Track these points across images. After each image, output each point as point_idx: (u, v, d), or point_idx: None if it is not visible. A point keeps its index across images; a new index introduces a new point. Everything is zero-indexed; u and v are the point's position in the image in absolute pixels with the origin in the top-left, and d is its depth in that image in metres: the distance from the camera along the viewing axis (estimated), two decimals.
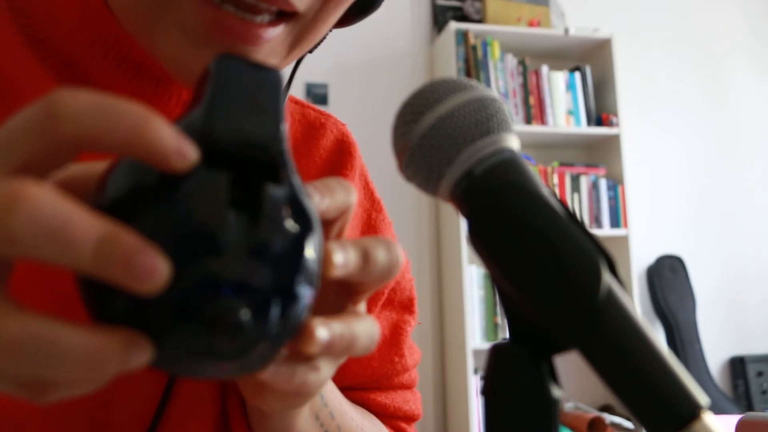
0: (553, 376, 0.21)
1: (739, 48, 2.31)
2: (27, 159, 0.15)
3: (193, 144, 0.16)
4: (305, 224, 0.18)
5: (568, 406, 1.85)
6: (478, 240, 0.22)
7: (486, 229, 0.21)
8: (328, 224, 0.21)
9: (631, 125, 2.06)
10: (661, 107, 2.18)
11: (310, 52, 0.33)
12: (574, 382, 1.87)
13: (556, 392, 0.21)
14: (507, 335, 0.22)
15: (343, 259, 0.19)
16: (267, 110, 0.18)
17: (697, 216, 2.16)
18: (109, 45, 0.28)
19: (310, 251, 0.18)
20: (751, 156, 2.25)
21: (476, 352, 1.74)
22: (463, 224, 1.69)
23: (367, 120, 1.87)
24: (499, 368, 0.21)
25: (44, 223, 0.14)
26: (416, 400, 0.42)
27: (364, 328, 0.20)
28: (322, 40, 0.33)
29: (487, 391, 0.21)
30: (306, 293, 0.18)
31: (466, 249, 1.75)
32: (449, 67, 1.86)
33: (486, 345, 1.71)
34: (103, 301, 0.16)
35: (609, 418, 1.76)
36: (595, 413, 1.74)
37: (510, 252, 0.21)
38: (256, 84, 0.19)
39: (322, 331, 0.18)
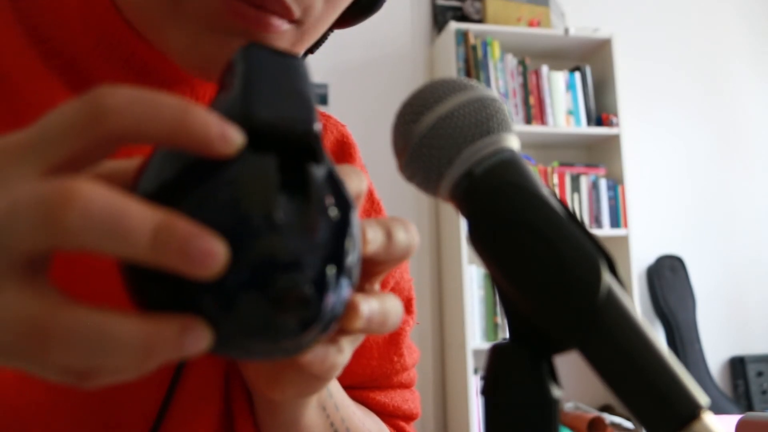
0: (553, 376, 0.21)
1: (739, 48, 2.31)
2: (70, 156, 0.15)
3: (237, 128, 0.16)
4: (347, 202, 0.19)
5: (568, 406, 1.85)
6: (478, 240, 0.22)
7: (486, 229, 0.21)
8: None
9: (631, 125, 2.06)
10: (661, 107, 2.18)
11: (311, 52, 0.33)
12: (574, 382, 1.87)
13: (556, 392, 0.21)
14: (507, 335, 0.22)
15: (373, 236, 0.19)
16: (299, 94, 0.19)
17: (697, 216, 2.16)
18: (113, 46, 0.28)
19: (355, 228, 0.18)
20: (751, 156, 2.25)
21: (476, 352, 1.74)
22: (463, 224, 1.69)
23: (367, 120, 1.87)
24: (499, 368, 0.21)
25: (99, 217, 0.14)
26: (415, 399, 0.42)
27: (392, 304, 0.21)
28: (323, 41, 0.33)
29: (487, 391, 0.21)
30: (355, 268, 0.18)
31: (466, 249, 1.75)
32: (449, 67, 1.86)
33: (486, 345, 1.71)
34: (156, 289, 0.16)
35: (609, 418, 1.76)
36: (595, 413, 1.74)
37: (510, 252, 0.21)
38: (285, 70, 0.19)
39: (366, 306, 0.19)
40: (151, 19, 0.26)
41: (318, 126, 0.19)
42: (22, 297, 0.15)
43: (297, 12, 0.25)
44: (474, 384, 1.69)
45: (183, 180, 0.16)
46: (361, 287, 0.22)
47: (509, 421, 0.21)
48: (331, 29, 0.32)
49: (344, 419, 0.32)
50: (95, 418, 0.28)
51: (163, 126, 0.16)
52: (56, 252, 0.15)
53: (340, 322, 0.19)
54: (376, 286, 0.23)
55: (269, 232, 0.16)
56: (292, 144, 0.18)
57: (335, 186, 0.18)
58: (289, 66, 0.19)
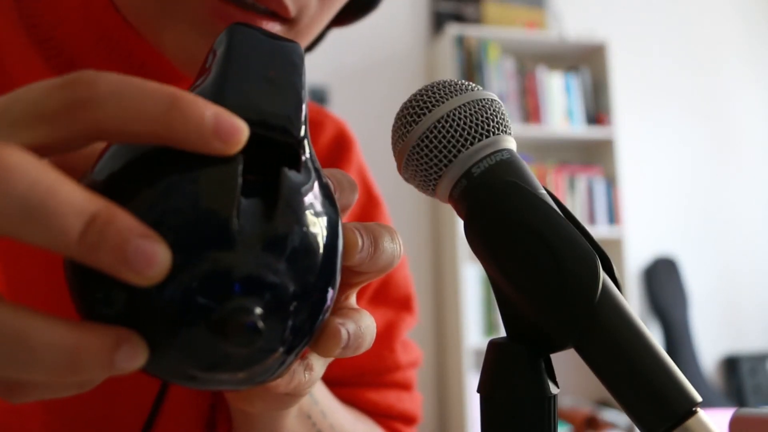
0: (550, 373, 0.21)
1: (735, 50, 2.32)
2: (35, 143, 0.13)
3: (243, 122, 0.13)
4: (327, 214, 0.15)
5: (565, 401, 1.86)
6: (475, 240, 0.22)
7: (484, 229, 0.22)
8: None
9: (627, 126, 2.07)
10: (656, 108, 2.19)
11: (308, 51, 0.33)
12: (571, 378, 1.87)
13: (552, 389, 0.21)
14: (504, 333, 0.22)
15: (359, 243, 0.16)
16: (286, 86, 0.16)
17: (692, 216, 2.17)
18: (112, 44, 0.28)
19: (332, 244, 0.15)
20: (745, 157, 2.26)
21: (474, 351, 1.75)
22: (461, 224, 1.69)
23: (366, 121, 1.87)
24: (496, 365, 0.21)
25: (21, 194, 0.12)
26: (413, 400, 0.40)
27: (367, 323, 0.19)
28: (320, 40, 0.33)
29: (483, 388, 0.21)
30: (327, 291, 0.15)
31: (464, 248, 1.75)
32: (448, 70, 1.87)
33: (484, 343, 1.71)
34: (92, 294, 0.13)
35: (605, 414, 1.76)
36: (591, 409, 1.74)
37: (508, 251, 0.21)
38: (273, 57, 0.16)
39: (344, 331, 0.17)
40: (146, 20, 0.26)
41: (302, 125, 0.15)
42: None
43: (293, 10, 0.25)
44: (472, 382, 1.69)
45: (133, 170, 0.14)
46: (336, 300, 0.19)
47: (506, 419, 0.21)
48: (328, 28, 0.32)
49: (333, 426, 0.30)
50: (89, 413, 0.28)
51: (147, 123, 0.13)
52: None
53: (316, 348, 0.16)
54: (352, 300, 0.20)
55: (219, 244, 0.13)
56: (269, 143, 0.15)
57: (316, 194, 0.15)
58: (280, 52, 0.16)
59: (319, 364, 0.20)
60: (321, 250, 0.15)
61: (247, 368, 0.14)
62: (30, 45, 0.28)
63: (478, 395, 0.22)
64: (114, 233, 0.12)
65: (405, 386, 0.40)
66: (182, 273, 0.13)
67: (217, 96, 0.15)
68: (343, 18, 0.33)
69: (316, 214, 0.15)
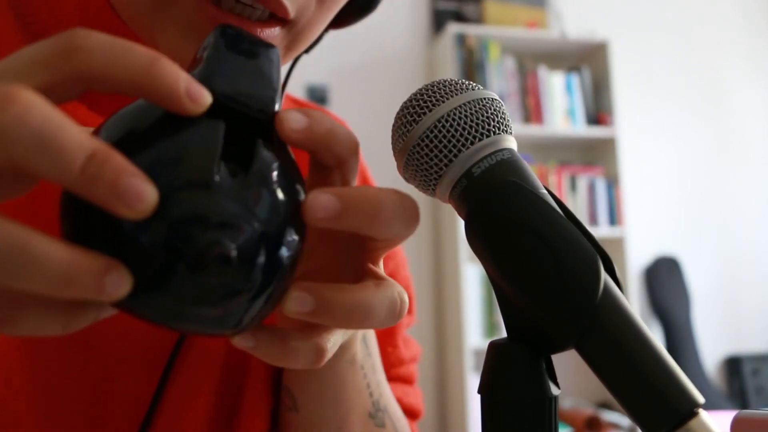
0: (551, 374, 0.21)
1: (736, 49, 2.32)
2: (34, 87, 0.15)
3: (207, 91, 0.16)
4: (291, 180, 0.18)
5: (565, 403, 1.86)
6: (476, 240, 0.22)
7: (484, 229, 0.22)
8: (325, 173, 0.20)
9: (628, 126, 2.07)
10: (658, 108, 2.19)
11: (306, 52, 0.33)
12: (572, 379, 1.87)
13: (553, 390, 0.21)
14: (505, 334, 0.22)
15: (325, 205, 0.17)
16: (264, 77, 0.19)
17: (693, 216, 2.17)
18: None
19: (293, 209, 0.18)
20: (747, 156, 2.26)
21: (475, 351, 1.75)
22: (462, 224, 1.69)
23: (366, 121, 1.87)
24: (497, 366, 0.21)
25: (33, 127, 0.14)
26: (417, 395, 0.41)
27: (365, 295, 0.19)
28: (318, 41, 0.33)
29: (484, 389, 0.21)
30: (290, 246, 0.18)
31: (464, 248, 1.75)
32: (448, 69, 1.86)
33: (485, 344, 1.71)
34: (83, 225, 0.16)
35: (606, 415, 1.76)
36: (592, 410, 1.74)
37: (508, 252, 0.21)
38: (254, 54, 0.19)
39: (303, 296, 0.18)
40: (141, 23, 0.26)
41: (275, 106, 0.18)
42: None
43: (292, 11, 0.25)
44: (473, 383, 1.70)
45: (131, 131, 0.16)
46: (362, 269, 0.21)
47: (507, 420, 0.21)
48: (326, 30, 0.33)
49: (380, 382, 0.30)
50: (85, 413, 0.28)
51: (131, 72, 0.15)
52: None
53: (281, 307, 0.18)
54: (380, 267, 0.21)
55: (201, 191, 0.16)
56: (248, 119, 0.18)
57: (282, 165, 0.18)
58: (260, 51, 0.20)
59: (335, 335, 0.20)
60: (284, 210, 0.18)
61: (221, 303, 0.16)
62: (26, 43, 0.28)
63: (478, 396, 0.21)
64: (110, 169, 0.14)
65: (408, 380, 0.41)
66: (166, 212, 0.15)
67: (204, 79, 0.18)
68: (342, 20, 0.33)
69: (283, 178, 0.18)
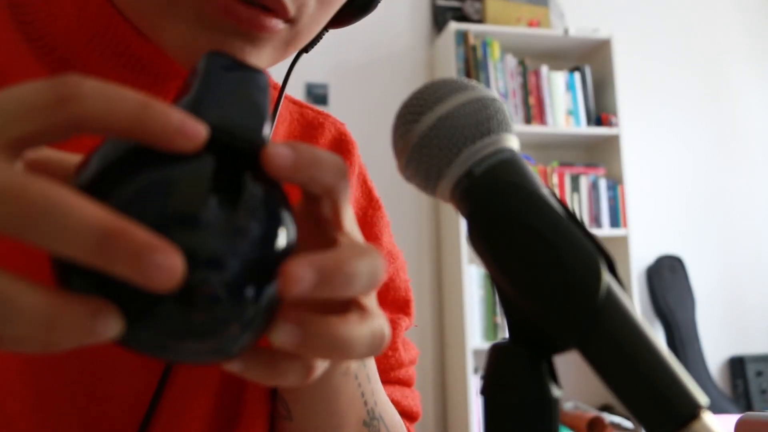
0: (553, 376, 0.21)
1: (738, 48, 2.31)
2: (27, 134, 0.15)
3: (203, 125, 0.16)
4: (281, 217, 0.18)
5: (567, 405, 1.85)
6: (477, 240, 0.22)
7: (486, 229, 0.21)
8: (316, 200, 0.21)
9: (631, 125, 2.06)
10: (660, 107, 2.19)
11: (306, 51, 0.33)
12: (574, 382, 1.87)
13: (555, 392, 0.21)
14: (506, 335, 0.22)
15: (299, 275, 0.17)
16: (253, 106, 0.19)
17: (696, 216, 2.16)
18: (107, 40, 0.28)
19: (282, 243, 0.18)
20: (750, 155, 2.26)
21: (476, 352, 1.75)
22: (462, 224, 1.69)
23: (367, 120, 1.87)
24: (499, 368, 0.21)
25: (41, 209, 0.14)
26: (415, 398, 0.42)
27: (347, 329, 0.19)
28: (318, 39, 0.33)
29: (486, 391, 0.21)
30: (276, 280, 0.18)
31: (465, 249, 1.75)
32: (449, 68, 1.86)
33: (486, 345, 1.71)
34: (72, 268, 0.16)
35: (609, 417, 1.76)
36: (594, 413, 1.74)
37: (510, 252, 0.21)
38: (244, 81, 0.20)
39: (290, 328, 0.18)
40: (148, 16, 0.26)
41: (265, 137, 0.19)
42: None
43: (292, 10, 0.26)
44: (474, 384, 1.69)
45: (117, 171, 0.17)
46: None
47: (509, 421, 0.21)
48: (326, 29, 0.32)
49: (374, 391, 0.31)
50: (83, 414, 0.28)
51: (122, 118, 0.16)
52: None
53: (270, 336, 0.18)
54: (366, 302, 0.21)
55: (188, 228, 0.16)
56: (236, 151, 0.18)
57: (270, 198, 0.18)
58: (248, 77, 0.20)
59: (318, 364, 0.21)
60: (272, 246, 0.18)
61: (210, 337, 0.17)
62: (23, 42, 0.28)
63: (480, 397, 0.21)
64: (132, 248, 0.14)
65: (407, 383, 0.41)
66: None
67: (192, 109, 0.18)
68: (341, 19, 0.33)
69: (271, 212, 0.18)
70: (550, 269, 0.20)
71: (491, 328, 1.78)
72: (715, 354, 2.09)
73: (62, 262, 0.16)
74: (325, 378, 0.27)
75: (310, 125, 0.39)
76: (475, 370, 1.73)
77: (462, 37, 1.87)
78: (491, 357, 0.22)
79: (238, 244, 0.17)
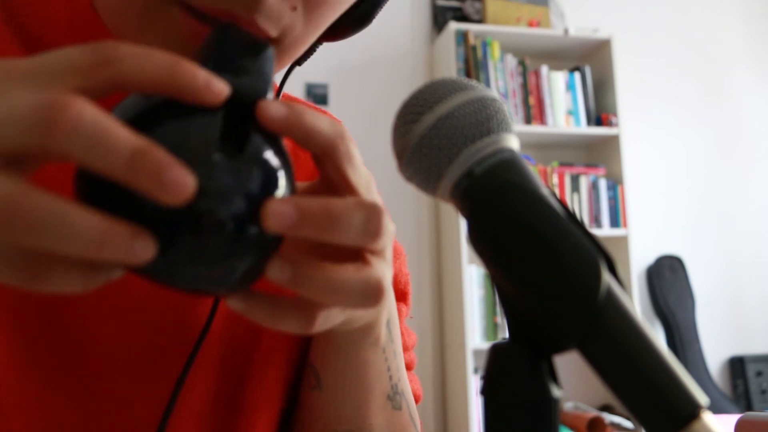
0: (553, 376, 0.21)
1: (739, 48, 2.31)
2: (71, 90, 0.17)
3: (224, 83, 0.19)
4: (280, 165, 0.21)
5: (567, 405, 1.85)
6: (477, 240, 0.22)
7: (486, 229, 0.21)
8: (322, 163, 0.23)
9: (631, 125, 2.06)
10: (660, 107, 2.19)
11: (299, 64, 0.34)
12: (574, 382, 1.87)
13: (555, 392, 0.21)
14: (507, 335, 0.22)
15: (281, 211, 0.19)
16: (261, 72, 0.22)
17: (696, 216, 2.16)
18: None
19: (280, 187, 0.21)
20: (750, 155, 2.26)
21: (476, 352, 1.74)
22: (463, 224, 1.69)
23: (367, 120, 1.87)
24: (499, 368, 0.21)
25: (87, 129, 0.16)
26: (416, 381, 0.43)
27: (340, 275, 0.20)
28: (312, 53, 0.33)
29: (486, 391, 0.21)
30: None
31: (466, 249, 1.75)
32: (449, 68, 1.86)
33: (486, 345, 1.71)
34: (101, 199, 0.18)
35: (609, 417, 1.76)
36: (594, 413, 1.74)
37: (510, 252, 0.21)
38: (251, 50, 0.22)
39: (283, 263, 0.20)
40: (124, 30, 0.27)
41: (268, 97, 0.21)
42: None
43: (273, 32, 0.26)
44: (474, 384, 1.69)
45: (146, 117, 0.19)
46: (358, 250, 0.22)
47: (509, 421, 0.21)
48: (320, 42, 0.32)
49: (399, 367, 0.32)
50: (80, 412, 0.28)
51: (156, 75, 0.18)
52: (41, 156, 0.17)
53: (268, 271, 0.20)
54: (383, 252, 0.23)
55: (202, 165, 0.18)
56: (245, 109, 0.21)
57: (271, 148, 0.21)
58: (256, 48, 0.22)
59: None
60: (272, 188, 0.20)
61: (215, 262, 0.19)
62: (18, 45, 0.29)
63: (480, 397, 0.21)
64: (154, 164, 0.16)
65: (409, 366, 0.42)
66: None
67: (213, 70, 0.20)
68: (337, 33, 0.33)
69: (272, 160, 0.21)
70: (550, 269, 0.20)
71: (491, 328, 1.78)
72: (715, 354, 2.09)
73: (89, 197, 0.18)
74: (355, 348, 0.29)
75: None
76: (475, 370, 1.73)
77: (462, 37, 1.87)
78: (491, 357, 0.22)
79: (242, 184, 0.19)
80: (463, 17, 1.98)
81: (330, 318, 0.22)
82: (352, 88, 1.94)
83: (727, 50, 2.29)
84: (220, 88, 0.19)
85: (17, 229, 0.16)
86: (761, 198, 2.23)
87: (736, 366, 2.08)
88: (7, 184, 0.16)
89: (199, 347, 0.29)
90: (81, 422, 0.28)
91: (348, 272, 0.21)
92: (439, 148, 0.23)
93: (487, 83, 1.87)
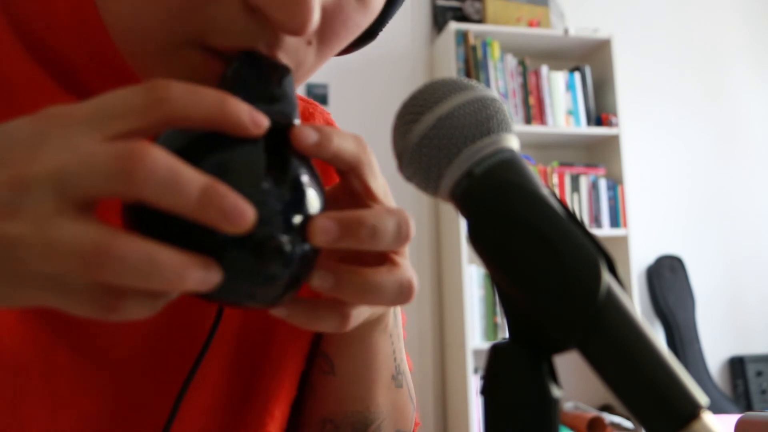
0: (553, 376, 0.21)
1: (739, 48, 2.31)
2: (127, 131, 0.19)
3: (264, 116, 0.21)
4: (316, 186, 0.23)
5: (567, 405, 1.85)
6: (477, 240, 0.22)
7: (486, 229, 0.22)
8: (346, 176, 0.25)
9: (631, 125, 2.06)
10: (660, 107, 2.19)
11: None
12: (574, 382, 1.87)
13: (555, 392, 0.21)
14: (507, 335, 0.22)
15: (324, 227, 0.22)
16: (287, 97, 0.24)
17: (696, 216, 2.16)
18: (105, 62, 0.28)
19: (317, 206, 0.23)
20: (750, 156, 2.26)
21: (476, 352, 1.74)
22: (463, 224, 1.69)
23: (366, 120, 1.87)
24: (499, 368, 0.21)
25: (163, 175, 0.18)
26: (407, 355, 0.45)
27: (375, 278, 0.23)
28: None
29: (486, 391, 0.21)
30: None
31: (466, 249, 1.75)
32: (449, 68, 1.86)
33: (486, 345, 1.71)
34: (164, 231, 0.19)
35: (609, 417, 1.76)
36: (594, 413, 1.74)
37: (510, 252, 0.21)
38: (276, 76, 0.24)
39: (325, 273, 0.23)
40: (141, 63, 0.27)
41: (298, 122, 0.23)
42: (79, 227, 0.17)
43: (291, 65, 0.26)
44: (474, 384, 1.69)
45: (197, 151, 0.21)
46: (384, 254, 0.25)
47: (509, 421, 0.21)
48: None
49: (401, 349, 0.35)
50: (104, 411, 0.29)
51: (208, 114, 0.20)
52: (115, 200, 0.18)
53: (310, 280, 0.23)
54: (401, 254, 0.26)
55: (256, 196, 0.20)
56: (278, 132, 0.22)
57: (308, 170, 0.23)
58: (281, 73, 0.24)
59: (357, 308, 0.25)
60: (315, 204, 0.22)
61: (270, 282, 0.21)
62: (25, 52, 0.28)
63: (480, 398, 0.21)
64: (220, 199, 0.18)
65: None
66: None
67: (249, 101, 0.22)
68: (342, 50, 0.34)
69: (311, 181, 0.23)
70: (550, 269, 0.20)
71: (491, 328, 1.78)
72: (715, 354, 2.09)
73: (151, 230, 0.19)
74: (367, 335, 0.31)
75: (302, 116, 0.41)
76: (475, 370, 1.73)
77: (462, 37, 1.87)
78: (491, 357, 0.22)
79: (289, 206, 0.21)
80: (463, 17, 1.98)
81: (360, 315, 0.25)
82: (352, 88, 1.94)
83: (727, 50, 2.29)
84: (261, 120, 0.20)
85: (108, 272, 0.17)
86: (761, 198, 2.23)
87: (736, 366, 2.08)
88: (92, 229, 0.17)
89: (209, 343, 0.30)
90: (102, 420, 0.29)
91: (383, 275, 0.23)
92: (439, 148, 0.23)
93: (487, 83, 1.87)
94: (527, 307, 0.21)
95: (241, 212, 0.18)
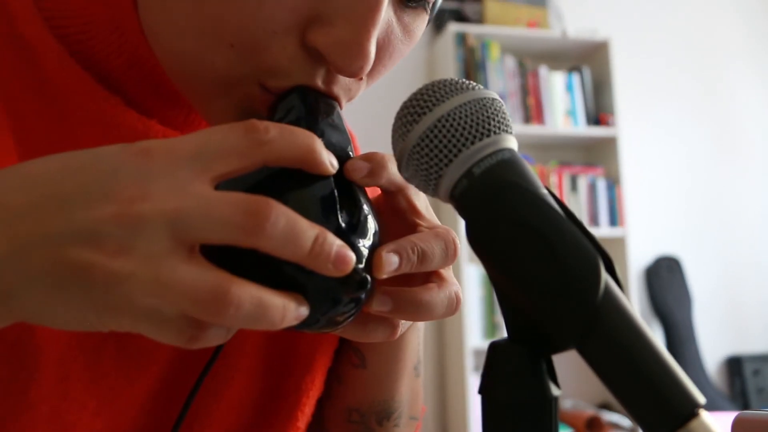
0: (552, 375, 0.21)
1: (737, 49, 2.32)
2: (229, 172, 0.20)
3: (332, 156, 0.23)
4: (375, 216, 0.25)
5: (566, 404, 1.86)
6: (477, 240, 0.22)
7: (485, 229, 0.22)
8: (393, 196, 0.27)
9: (629, 126, 2.06)
10: (659, 108, 2.19)
11: None
12: (573, 380, 1.87)
13: (554, 391, 0.21)
14: (505, 334, 0.22)
15: (390, 262, 0.24)
16: (340, 129, 0.25)
17: (694, 216, 2.16)
18: (144, 72, 0.29)
19: (378, 235, 0.25)
20: (748, 156, 2.26)
21: (475, 352, 1.75)
22: (462, 224, 1.69)
23: (366, 121, 1.87)
24: (498, 367, 0.21)
25: (283, 229, 0.19)
26: None
27: (428, 296, 0.25)
28: None
29: (485, 390, 0.21)
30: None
31: (466, 249, 1.75)
32: (448, 69, 1.86)
33: (485, 344, 1.71)
34: (257, 274, 0.20)
35: (607, 416, 1.76)
36: (593, 411, 1.74)
37: (509, 252, 0.21)
38: (329, 111, 0.26)
39: (385, 298, 0.25)
40: (196, 94, 0.27)
41: (352, 153, 0.25)
42: (193, 269, 0.18)
43: (344, 100, 0.28)
44: (473, 383, 1.70)
45: (282, 193, 0.22)
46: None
47: (507, 420, 0.21)
48: None
49: (421, 341, 0.36)
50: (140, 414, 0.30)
51: (299, 155, 0.21)
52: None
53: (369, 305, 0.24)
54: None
55: (338, 233, 0.21)
56: (340, 167, 0.24)
57: (367, 200, 0.25)
58: (332, 107, 0.26)
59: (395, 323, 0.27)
60: (377, 234, 0.24)
61: (346, 310, 0.23)
62: (61, 50, 0.28)
63: (479, 396, 0.21)
64: (329, 249, 0.20)
65: None
66: None
67: (320, 137, 0.24)
68: None
69: (371, 212, 0.25)
70: (549, 269, 0.20)
71: (491, 327, 1.78)
72: (713, 353, 2.09)
73: (237, 268, 0.20)
74: (405, 341, 0.34)
75: None
76: (475, 370, 1.73)
77: (461, 38, 1.87)
78: (490, 355, 0.22)
79: (363, 238, 0.23)
80: (462, 18, 1.98)
81: (407, 323, 0.27)
82: None
83: (725, 50, 2.30)
84: (334, 159, 0.22)
85: (224, 317, 0.18)
86: (759, 198, 2.24)
87: (734, 365, 2.08)
88: (210, 275, 0.18)
89: (221, 347, 0.30)
90: (138, 418, 0.29)
91: (433, 293, 0.25)
92: (438, 148, 0.23)
93: (486, 84, 1.87)
94: (526, 306, 0.21)
95: (346, 259, 0.20)
